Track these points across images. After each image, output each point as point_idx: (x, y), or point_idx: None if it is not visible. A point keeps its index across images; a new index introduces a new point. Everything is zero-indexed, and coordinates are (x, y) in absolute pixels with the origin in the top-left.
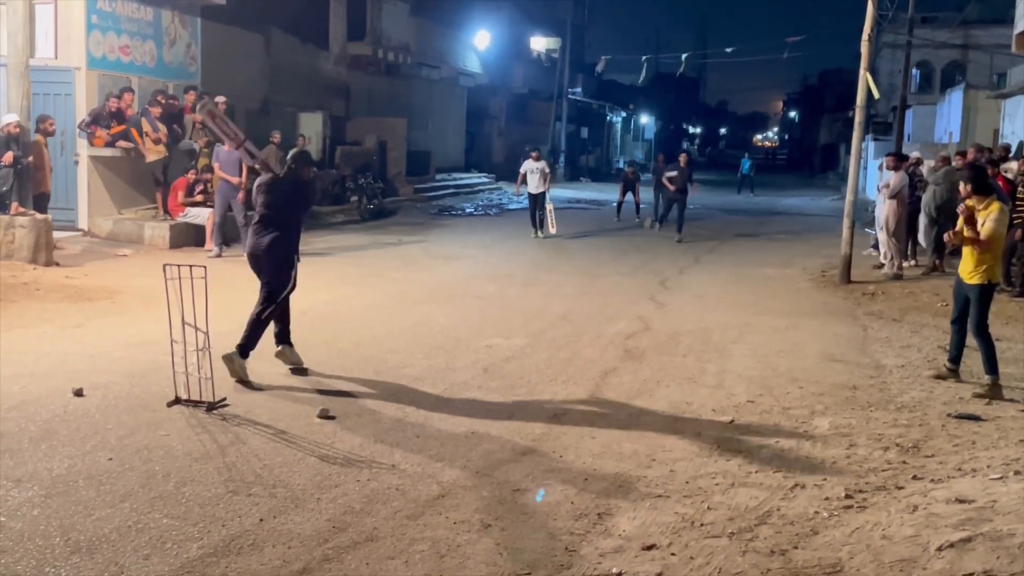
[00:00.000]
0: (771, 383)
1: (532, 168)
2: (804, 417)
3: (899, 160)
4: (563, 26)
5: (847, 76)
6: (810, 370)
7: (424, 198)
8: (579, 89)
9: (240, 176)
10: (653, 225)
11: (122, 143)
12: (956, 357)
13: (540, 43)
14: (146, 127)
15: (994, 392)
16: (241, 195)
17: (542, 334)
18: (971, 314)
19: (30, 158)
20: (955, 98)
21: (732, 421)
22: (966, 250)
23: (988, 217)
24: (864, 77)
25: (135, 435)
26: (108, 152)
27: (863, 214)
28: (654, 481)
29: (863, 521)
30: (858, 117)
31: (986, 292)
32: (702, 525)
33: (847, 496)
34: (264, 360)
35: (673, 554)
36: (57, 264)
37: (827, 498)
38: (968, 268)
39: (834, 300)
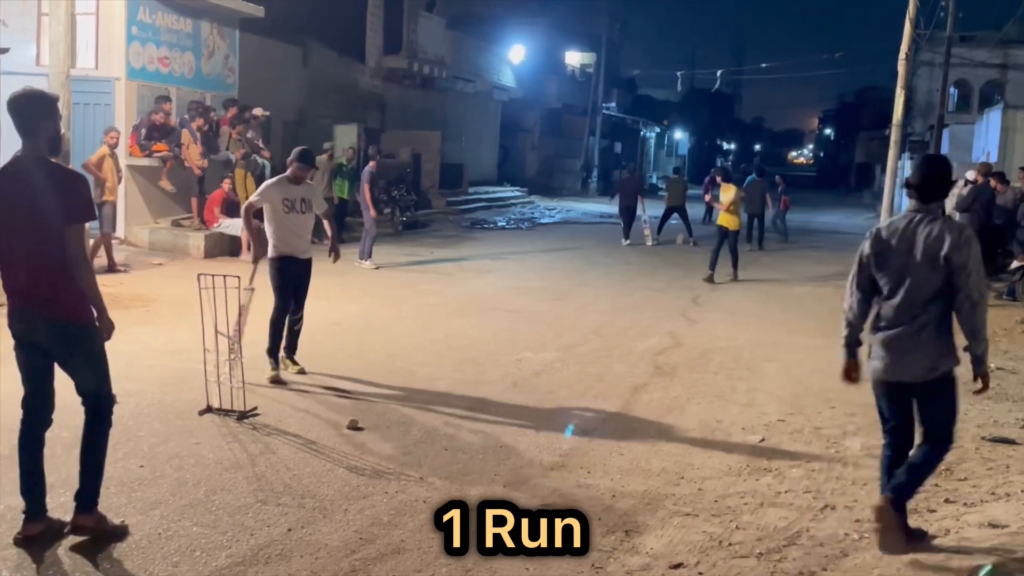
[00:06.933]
0: (803, 402)
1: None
2: (836, 437)
3: None
4: (598, 41)
5: (884, 94)
6: (843, 390)
7: (457, 211)
8: (613, 104)
9: None
10: (686, 242)
11: (160, 151)
12: (713, 264)
13: (575, 58)
14: (187, 139)
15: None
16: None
17: (572, 348)
18: (732, 240)
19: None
20: (993, 117)
21: (762, 440)
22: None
23: (728, 194)
24: (900, 95)
25: (167, 443)
26: (145, 162)
27: None
28: (682, 499)
29: None
30: (894, 135)
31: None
32: (730, 545)
33: None
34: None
35: (700, 573)
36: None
37: (858, 520)
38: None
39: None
